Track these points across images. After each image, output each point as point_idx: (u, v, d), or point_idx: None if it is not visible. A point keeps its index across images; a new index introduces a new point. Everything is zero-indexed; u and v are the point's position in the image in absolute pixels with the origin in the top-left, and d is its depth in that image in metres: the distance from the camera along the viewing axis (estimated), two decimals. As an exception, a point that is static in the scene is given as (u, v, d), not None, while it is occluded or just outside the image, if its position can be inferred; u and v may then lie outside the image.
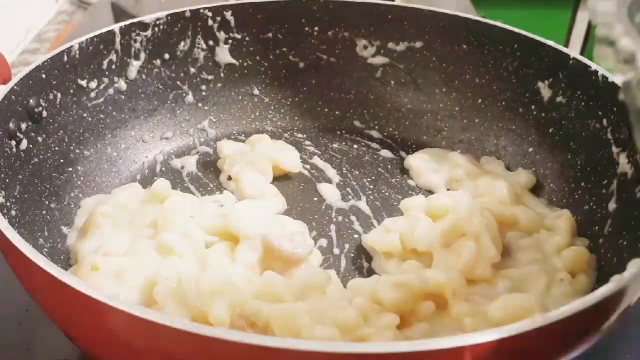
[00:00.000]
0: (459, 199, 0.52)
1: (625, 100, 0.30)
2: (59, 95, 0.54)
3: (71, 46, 0.55)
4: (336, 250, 0.53)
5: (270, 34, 0.67)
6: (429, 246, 0.49)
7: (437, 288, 0.43)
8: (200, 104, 0.67)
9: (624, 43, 0.29)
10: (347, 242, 0.54)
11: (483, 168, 0.61)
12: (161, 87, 0.64)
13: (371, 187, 0.61)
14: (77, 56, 0.55)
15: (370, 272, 0.51)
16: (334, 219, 0.57)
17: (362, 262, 0.52)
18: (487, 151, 0.63)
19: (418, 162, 0.62)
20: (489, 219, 0.49)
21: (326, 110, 0.70)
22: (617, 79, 0.32)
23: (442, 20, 0.64)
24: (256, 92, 0.69)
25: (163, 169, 0.62)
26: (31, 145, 0.50)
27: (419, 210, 0.52)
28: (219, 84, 0.68)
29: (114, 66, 0.60)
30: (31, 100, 0.50)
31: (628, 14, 0.30)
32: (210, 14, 0.64)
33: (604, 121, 0.52)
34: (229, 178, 0.60)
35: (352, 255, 0.53)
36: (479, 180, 0.58)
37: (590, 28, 1.56)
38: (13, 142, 0.48)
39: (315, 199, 0.59)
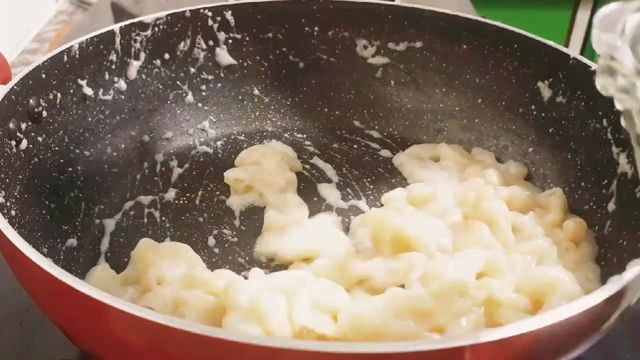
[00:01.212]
0: (438, 186, 0.54)
1: (626, 127, 0.31)
2: (59, 95, 0.54)
3: (71, 46, 0.55)
4: (336, 250, 0.53)
5: (270, 34, 0.67)
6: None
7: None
8: (200, 104, 0.67)
9: (624, 73, 0.30)
10: (347, 242, 0.54)
11: (474, 159, 0.61)
12: (161, 87, 0.64)
13: (371, 187, 0.61)
14: (77, 56, 0.55)
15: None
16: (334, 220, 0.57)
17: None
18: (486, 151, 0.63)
19: (408, 159, 0.62)
20: (501, 203, 0.50)
21: (326, 110, 0.70)
22: (618, 106, 0.33)
23: (442, 20, 0.64)
24: (256, 92, 0.69)
25: (163, 169, 0.62)
26: (31, 145, 0.50)
27: (401, 201, 0.54)
28: (219, 84, 0.68)
29: (114, 66, 0.60)
30: (31, 100, 0.50)
31: (631, 46, 0.31)
32: (210, 14, 0.64)
33: (604, 121, 0.52)
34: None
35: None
36: (469, 169, 0.58)
37: (590, 28, 1.56)
38: (13, 142, 0.48)
39: (315, 199, 0.59)
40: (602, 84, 0.32)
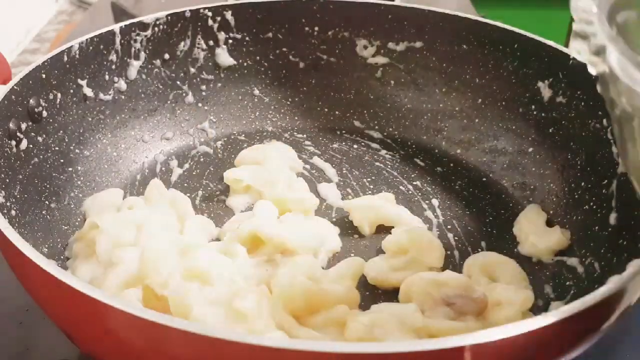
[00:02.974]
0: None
1: (601, 92, 0.32)
2: (59, 95, 0.54)
3: (71, 46, 0.55)
4: (336, 250, 0.53)
5: (270, 34, 0.67)
6: None
7: None
8: (200, 104, 0.67)
9: (597, 37, 0.31)
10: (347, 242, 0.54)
11: None
12: (161, 87, 0.64)
13: (371, 187, 0.61)
14: (77, 56, 0.55)
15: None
16: (334, 219, 0.57)
17: (362, 262, 0.52)
18: (486, 151, 0.63)
19: None
20: None
21: (326, 110, 0.70)
22: (592, 71, 0.34)
23: (442, 20, 0.64)
24: (256, 92, 0.69)
25: (163, 169, 0.62)
26: (31, 145, 0.50)
27: None
28: (219, 84, 0.68)
29: (114, 66, 0.60)
30: (31, 100, 0.50)
31: (608, 14, 0.31)
32: (210, 14, 0.64)
33: (604, 121, 0.52)
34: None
35: (352, 254, 0.53)
36: None
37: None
38: (13, 142, 0.48)
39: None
40: (577, 48, 0.33)
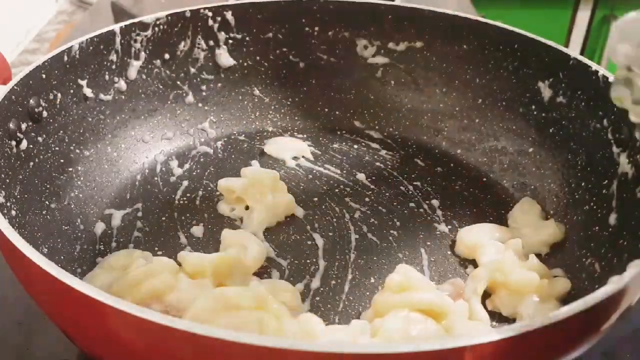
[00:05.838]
0: None
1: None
2: (59, 95, 0.54)
3: (71, 46, 0.55)
4: (336, 250, 0.53)
5: (270, 34, 0.67)
6: None
7: None
8: (200, 104, 0.67)
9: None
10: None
11: None
12: (161, 87, 0.64)
13: (372, 187, 0.61)
14: (77, 56, 0.55)
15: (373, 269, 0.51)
16: (334, 219, 0.57)
17: (362, 262, 0.52)
18: (487, 151, 0.63)
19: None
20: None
21: (326, 110, 0.70)
22: (633, 119, 0.32)
23: (442, 20, 0.64)
24: (256, 92, 0.69)
25: (163, 169, 0.62)
26: (31, 145, 0.50)
27: None
28: (219, 84, 0.68)
29: (114, 66, 0.60)
30: (31, 100, 0.50)
31: None
32: (210, 14, 0.64)
33: (604, 121, 0.52)
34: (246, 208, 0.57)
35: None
36: None
37: (590, 28, 1.56)
38: (13, 142, 0.48)
39: (316, 199, 0.59)
40: (617, 96, 0.31)
